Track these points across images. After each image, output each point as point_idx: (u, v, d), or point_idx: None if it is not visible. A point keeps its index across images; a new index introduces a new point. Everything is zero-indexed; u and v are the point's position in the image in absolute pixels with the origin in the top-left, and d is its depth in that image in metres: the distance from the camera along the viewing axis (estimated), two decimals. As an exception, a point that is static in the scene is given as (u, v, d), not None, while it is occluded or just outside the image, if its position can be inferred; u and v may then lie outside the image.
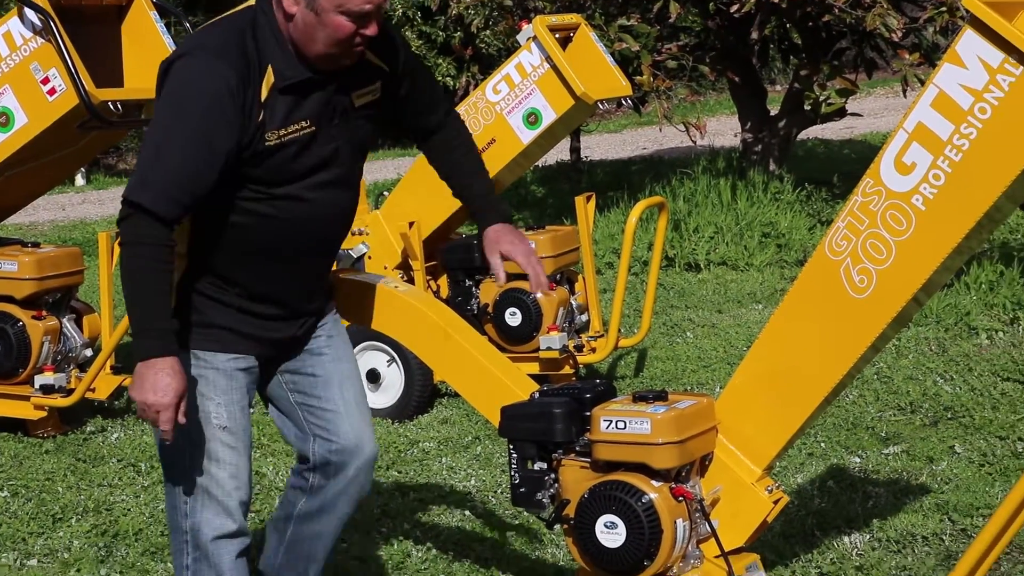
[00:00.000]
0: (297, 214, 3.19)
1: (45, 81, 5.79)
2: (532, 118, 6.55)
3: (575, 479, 3.43)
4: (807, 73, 10.73)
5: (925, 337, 6.93)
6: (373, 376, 6.23)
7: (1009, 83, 3.01)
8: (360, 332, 5.96)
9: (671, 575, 3.36)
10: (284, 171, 3.14)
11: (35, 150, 5.99)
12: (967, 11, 3.03)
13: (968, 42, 3.05)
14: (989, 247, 8.44)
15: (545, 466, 3.48)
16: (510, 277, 6.95)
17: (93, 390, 6.18)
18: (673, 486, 3.33)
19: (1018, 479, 3.09)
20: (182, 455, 3.23)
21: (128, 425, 6.30)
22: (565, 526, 3.44)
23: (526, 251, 3.39)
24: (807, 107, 10.85)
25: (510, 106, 6.55)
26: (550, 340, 6.25)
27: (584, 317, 6.55)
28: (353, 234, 6.60)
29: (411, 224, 6.47)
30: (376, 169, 14.92)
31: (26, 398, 6.14)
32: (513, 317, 6.37)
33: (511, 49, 9.80)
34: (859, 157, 13.36)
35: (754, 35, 11.14)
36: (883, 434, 5.51)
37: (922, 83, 3.61)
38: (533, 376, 4.65)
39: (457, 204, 6.52)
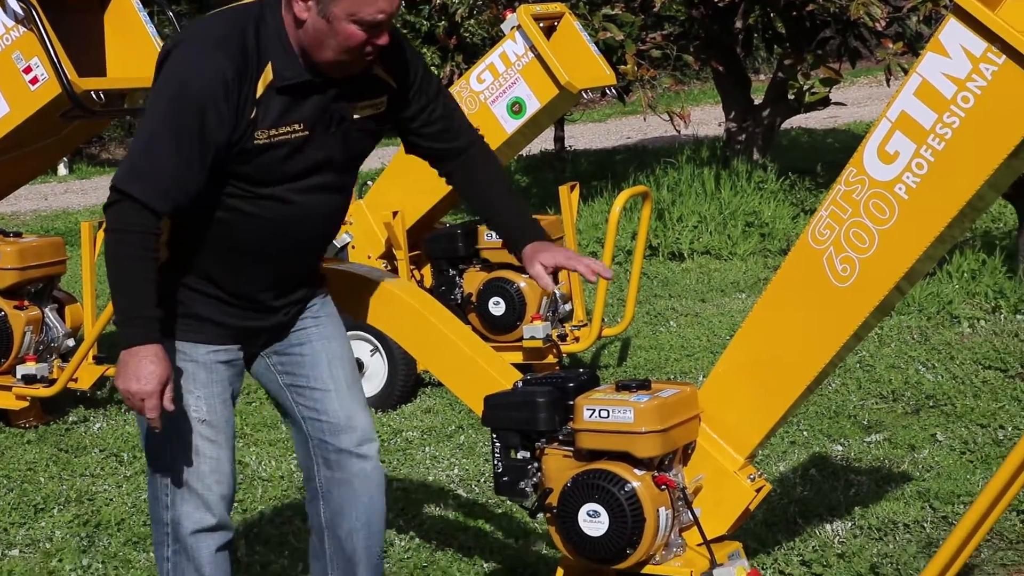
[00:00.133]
0: (282, 215, 3.16)
1: (27, 70, 5.77)
2: (516, 107, 6.55)
3: (558, 468, 3.43)
4: (791, 62, 10.74)
5: (907, 326, 6.95)
6: (356, 366, 6.22)
7: (992, 72, 3.02)
8: (344, 322, 5.95)
9: (654, 563, 3.37)
10: (272, 171, 3.11)
11: (17, 139, 5.96)
12: (950, 0, 3.03)
13: (951, 31, 3.05)
14: (971, 236, 8.46)
15: (528, 455, 3.48)
16: (493, 266, 6.91)
17: (75, 380, 6.17)
18: (656, 475, 3.34)
19: (999, 467, 3.10)
20: (163, 448, 3.22)
21: (110, 415, 6.29)
22: (548, 515, 3.44)
23: (566, 253, 3.32)
24: (791, 96, 10.86)
25: (494, 95, 6.54)
26: (534, 329, 6.26)
27: (568, 306, 6.55)
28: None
29: (395, 214, 6.47)
30: (360, 158, 14.88)
31: (8, 388, 6.13)
32: (497, 306, 6.37)
33: (495, 38, 9.79)
34: (843, 146, 13.38)
35: (738, 24, 11.15)
36: (865, 422, 5.53)
37: (905, 72, 3.61)
38: (516, 365, 4.66)
39: (441, 194, 6.60)
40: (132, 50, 6.09)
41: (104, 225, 3.07)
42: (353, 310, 3.66)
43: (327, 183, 3.21)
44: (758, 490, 3.46)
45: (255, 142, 3.06)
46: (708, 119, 15.64)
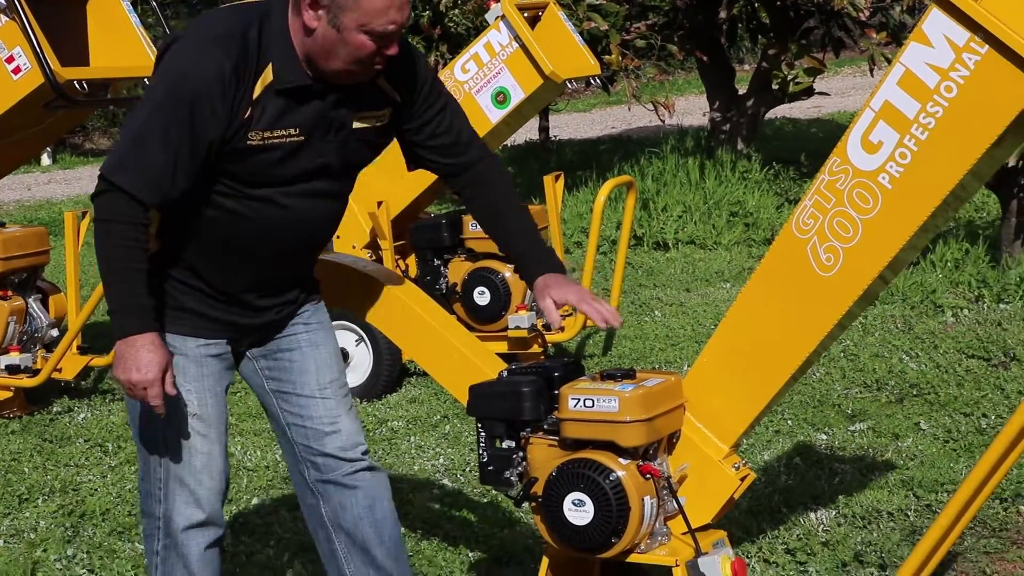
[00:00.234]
0: (272, 218, 3.12)
1: (9, 60, 5.74)
2: (501, 97, 6.55)
3: (543, 457, 3.43)
4: (775, 52, 10.76)
5: (891, 315, 6.97)
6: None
7: (975, 62, 3.02)
8: (329, 312, 5.94)
9: (639, 552, 3.37)
10: (264, 174, 3.07)
11: (-1, 129, 5.95)
12: (933, -10, 3.04)
13: (934, 21, 3.06)
14: (955, 226, 8.49)
15: (513, 444, 3.48)
16: (477, 256, 6.89)
17: (59, 370, 6.15)
18: (641, 464, 3.34)
19: (981, 455, 3.11)
20: (155, 442, 3.20)
21: (95, 405, 6.28)
22: (533, 504, 3.45)
23: (578, 292, 3.30)
24: (775, 86, 10.89)
25: (479, 85, 6.54)
26: (518, 319, 6.26)
27: (553, 296, 6.55)
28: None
29: (380, 204, 6.46)
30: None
31: (-8, 378, 6.12)
32: (482, 296, 6.37)
33: (480, 28, 9.78)
34: (826, 136, 13.41)
35: (722, 14, 11.17)
36: (849, 411, 5.55)
37: (889, 62, 3.62)
38: (501, 355, 4.66)
39: (426, 184, 6.60)
40: (115, 40, 6.07)
41: (90, 215, 3.05)
42: (338, 300, 3.65)
43: (322, 189, 3.17)
44: (743, 479, 3.47)
45: (248, 143, 3.02)
46: (692, 109, 15.65)
